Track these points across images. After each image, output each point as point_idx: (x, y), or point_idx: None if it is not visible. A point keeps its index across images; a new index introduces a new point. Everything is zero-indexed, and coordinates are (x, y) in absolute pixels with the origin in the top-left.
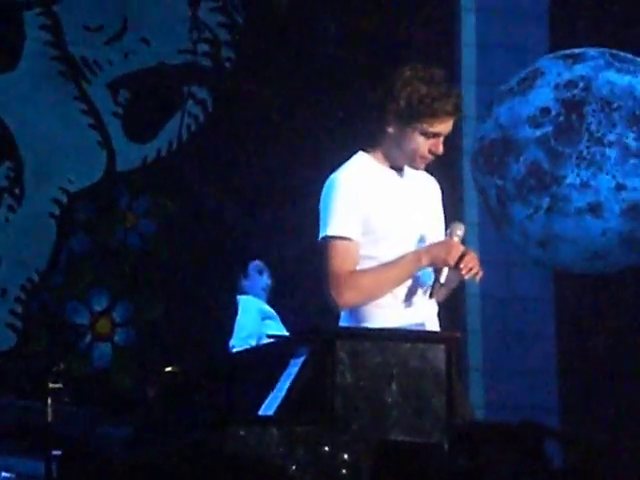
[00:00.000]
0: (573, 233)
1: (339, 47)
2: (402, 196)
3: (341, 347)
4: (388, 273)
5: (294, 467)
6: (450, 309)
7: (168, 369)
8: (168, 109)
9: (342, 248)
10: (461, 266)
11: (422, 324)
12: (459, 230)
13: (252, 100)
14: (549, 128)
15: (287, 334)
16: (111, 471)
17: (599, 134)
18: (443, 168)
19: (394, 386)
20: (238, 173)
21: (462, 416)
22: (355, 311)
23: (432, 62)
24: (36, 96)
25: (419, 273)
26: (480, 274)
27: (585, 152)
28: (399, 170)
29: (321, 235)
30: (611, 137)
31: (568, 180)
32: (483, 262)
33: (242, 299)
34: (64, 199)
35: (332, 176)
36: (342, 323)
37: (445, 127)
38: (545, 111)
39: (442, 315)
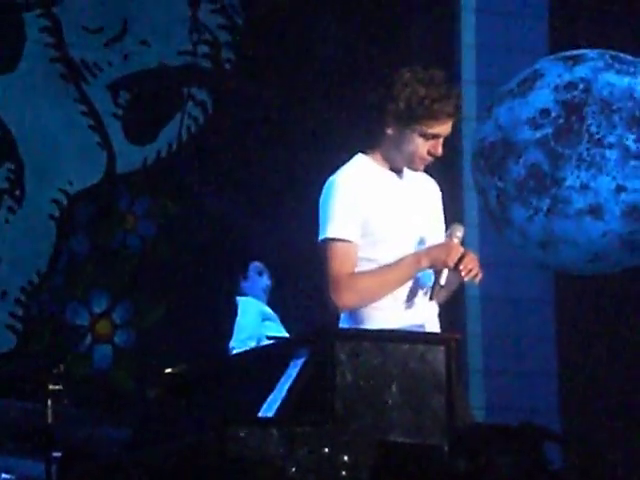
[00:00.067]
0: (573, 235)
1: (339, 48)
2: (401, 198)
3: (341, 348)
4: (387, 275)
5: (294, 468)
6: (450, 311)
7: (168, 370)
8: (168, 111)
9: (341, 250)
10: (461, 268)
11: (422, 325)
12: (459, 232)
13: (252, 101)
14: (549, 130)
15: (287, 335)
16: (111, 472)
17: (599, 136)
18: (443, 170)
19: (394, 387)
20: (238, 174)
21: (462, 418)
22: (355, 313)
23: (432, 63)
24: (36, 97)
25: (419, 275)
26: (480, 276)
27: (585, 154)
28: (398, 172)
29: (320, 237)
30: (611, 139)
31: (568, 182)
32: (483, 264)
33: (242, 300)
34: (64, 200)
35: (331, 178)
36: (342, 325)
37: (444, 128)
38: (545, 113)
39: (442, 316)
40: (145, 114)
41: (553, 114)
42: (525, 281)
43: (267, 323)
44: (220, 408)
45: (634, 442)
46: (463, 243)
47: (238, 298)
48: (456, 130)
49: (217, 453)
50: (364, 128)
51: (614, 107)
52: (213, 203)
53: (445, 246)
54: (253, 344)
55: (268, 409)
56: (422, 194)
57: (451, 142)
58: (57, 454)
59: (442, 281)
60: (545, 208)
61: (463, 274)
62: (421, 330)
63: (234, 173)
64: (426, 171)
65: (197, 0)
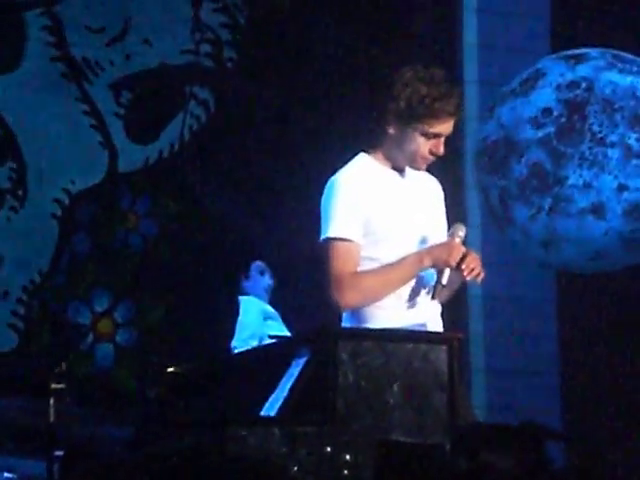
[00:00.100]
0: (575, 233)
1: (340, 48)
2: (403, 197)
3: (343, 348)
4: (390, 274)
5: (296, 467)
6: (452, 310)
7: (170, 369)
8: (170, 110)
9: (343, 250)
10: (463, 267)
11: (424, 325)
12: (461, 231)
13: (254, 100)
14: (551, 129)
15: (289, 335)
16: (113, 472)
17: (601, 135)
18: (445, 169)
19: (396, 387)
20: (240, 174)
21: (464, 417)
22: (357, 312)
23: (433, 63)
24: (38, 97)
25: (422, 274)
26: (482, 275)
27: (587, 153)
28: (400, 171)
29: (322, 237)
30: (613, 138)
31: (570, 181)
32: (485, 263)
33: (244, 300)
34: (66, 200)
35: (333, 178)
36: (344, 324)
37: (446, 127)
38: (547, 112)
39: (444, 316)
40: (147, 113)
41: (555, 113)
42: (527, 280)
43: (269, 322)
44: (222, 407)
45: (636, 441)
46: (465, 242)
47: (240, 297)
48: (458, 130)
49: (219, 452)
50: (366, 127)
51: (616, 106)
52: (215, 202)
53: (447, 245)
54: (255, 343)
55: (270, 408)
56: (424, 193)
57: (453, 142)
58: (59, 453)
59: (444, 280)
60: (547, 207)
61: (465, 273)
62: (423, 329)
63: (236, 172)
64: (428, 171)
65: None
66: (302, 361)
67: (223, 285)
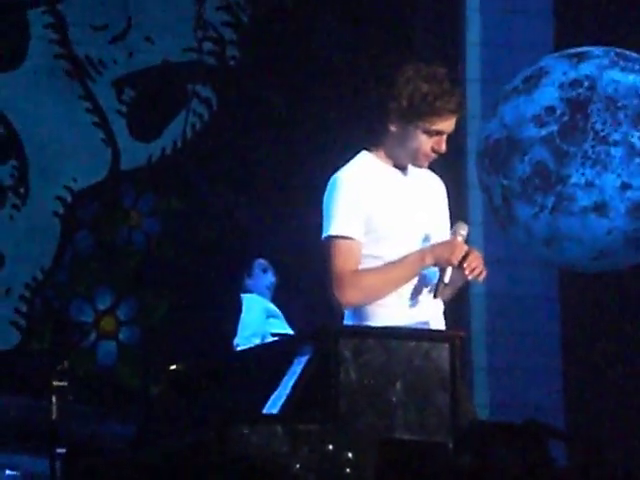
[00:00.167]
0: (578, 232)
1: (343, 46)
2: (405, 195)
3: (345, 345)
4: (391, 273)
5: (298, 465)
6: (454, 308)
7: (172, 367)
8: (173, 108)
9: (345, 248)
10: (464, 266)
11: (427, 323)
12: (463, 230)
13: (257, 99)
14: (554, 127)
15: (291, 332)
16: (116, 469)
17: (604, 133)
18: (447, 168)
19: (398, 385)
20: (243, 172)
21: (466, 415)
22: (359, 310)
23: (436, 61)
24: (40, 94)
25: (424, 272)
26: (484, 274)
27: (590, 151)
28: (403, 169)
29: (324, 235)
30: (616, 136)
31: (573, 179)
32: (488, 261)
33: (246, 297)
34: (69, 197)
35: (335, 175)
36: (346, 322)
37: (448, 125)
38: (550, 110)
39: (446, 314)
40: (150, 111)
41: (558, 112)
42: (529, 278)
43: (271, 320)
44: (224, 405)
45: (639, 439)
46: (467, 241)
47: (242, 295)
48: (460, 128)
49: (221, 450)
50: (368, 125)
51: (619, 104)
52: (218, 200)
53: (449, 244)
54: (257, 341)
55: (272, 406)
56: (427, 191)
57: (456, 140)
58: (61, 450)
59: (446, 279)
60: (550, 206)
61: (467, 272)
62: (426, 327)
63: (239, 170)
64: (431, 169)
65: None
66: (304, 359)
67: (226, 283)
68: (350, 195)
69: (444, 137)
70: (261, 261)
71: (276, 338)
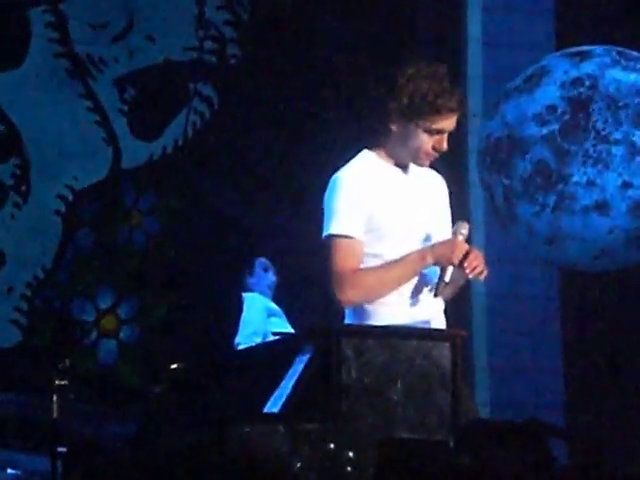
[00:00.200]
0: (580, 231)
1: (344, 44)
2: (407, 193)
3: (346, 345)
4: (392, 271)
5: (299, 464)
6: (456, 307)
7: (173, 366)
8: (174, 106)
9: (345, 246)
10: (465, 265)
11: (428, 322)
12: (464, 229)
13: (258, 97)
14: (555, 126)
15: (292, 331)
16: (117, 468)
17: (605, 132)
18: (448, 166)
19: (399, 384)
20: (243, 170)
21: (467, 414)
22: (360, 309)
23: (438, 58)
24: (42, 93)
25: (425, 270)
26: (484, 273)
27: (591, 150)
28: (404, 168)
29: (325, 233)
30: (617, 135)
31: (574, 178)
32: (489, 260)
33: (247, 296)
34: (70, 196)
35: (336, 174)
36: (347, 321)
37: (449, 124)
38: (551, 109)
39: (448, 313)
40: (151, 110)
41: (559, 110)
42: (531, 278)
43: (273, 319)
44: (225, 404)
45: (639, 439)
46: (468, 240)
47: (244, 294)
48: (462, 126)
49: (222, 449)
50: (369, 125)
51: (620, 103)
52: (218, 199)
53: (450, 243)
54: (259, 340)
55: (273, 405)
56: (428, 190)
57: (457, 139)
58: (62, 449)
59: (447, 278)
60: (551, 204)
61: (467, 271)
62: (427, 326)
63: (240, 169)
64: (431, 167)
65: None
66: (305, 358)
67: (226, 282)
68: (351, 194)
69: (445, 136)
70: (262, 260)
71: (277, 337)
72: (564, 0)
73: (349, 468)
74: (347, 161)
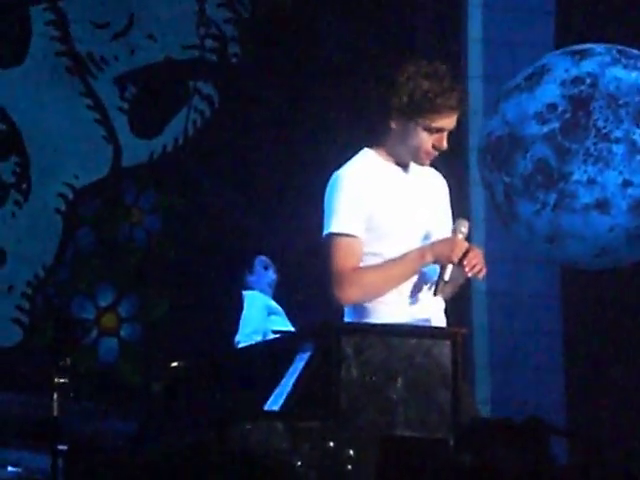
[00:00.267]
0: (580, 229)
1: (344, 43)
2: (407, 192)
3: (347, 343)
4: (391, 270)
5: (299, 462)
6: (456, 305)
7: (174, 364)
8: (174, 104)
9: (345, 245)
10: (464, 263)
11: (428, 320)
12: (464, 227)
13: (258, 96)
14: (556, 124)
15: (293, 330)
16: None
17: (606, 130)
18: (449, 165)
19: (400, 382)
20: (244, 169)
21: (467, 412)
22: (360, 307)
23: (438, 57)
24: (42, 92)
25: (425, 269)
26: (484, 271)
27: (592, 148)
28: (404, 166)
29: (325, 232)
30: (618, 133)
31: (575, 176)
32: (489, 259)
33: (248, 294)
34: (70, 194)
35: (336, 173)
36: (346, 319)
37: (449, 122)
38: (552, 107)
39: (448, 311)
40: (151, 108)
41: (560, 109)
42: (531, 276)
43: (273, 317)
44: (225, 402)
45: (639, 438)
46: (469, 238)
47: (244, 292)
48: (462, 125)
49: (222, 447)
50: (369, 123)
51: (621, 102)
52: (219, 197)
53: (449, 241)
54: (259, 338)
55: (274, 403)
56: (428, 189)
57: (457, 137)
58: (63, 447)
59: (446, 276)
60: (552, 203)
61: (467, 270)
62: (427, 325)
63: (240, 167)
64: (432, 166)
65: None
66: (306, 356)
67: (227, 280)
68: (351, 193)
69: (445, 134)
70: (262, 258)
71: (277, 335)
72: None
73: (349, 466)
74: (346, 161)
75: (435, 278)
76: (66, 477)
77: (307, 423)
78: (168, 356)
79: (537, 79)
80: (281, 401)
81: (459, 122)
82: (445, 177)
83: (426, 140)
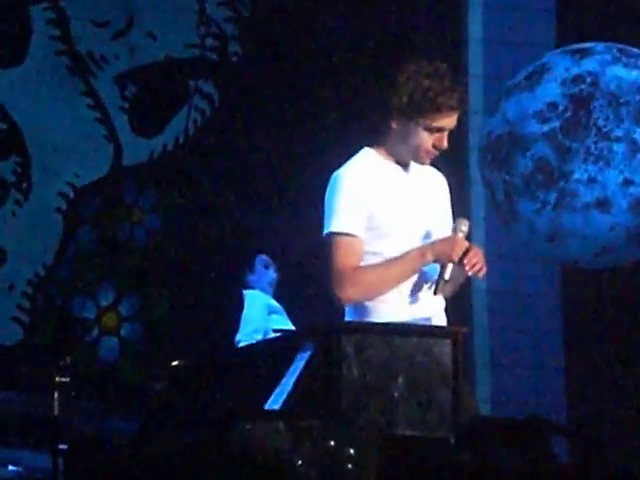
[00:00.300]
0: (581, 228)
1: (344, 43)
2: (407, 191)
3: (347, 342)
4: (392, 269)
5: (300, 461)
6: (457, 304)
7: (174, 363)
8: (175, 103)
9: (345, 244)
10: (465, 262)
11: (428, 319)
12: (464, 226)
13: (258, 95)
14: (556, 123)
15: (293, 329)
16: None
17: (606, 129)
18: (450, 164)
19: (400, 381)
20: (244, 168)
21: (468, 411)
22: (360, 306)
23: (438, 57)
24: (43, 91)
25: (426, 268)
26: (484, 270)
27: (592, 147)
28: (405, 166)
29: (325, 231)
30: (618, 132)
31: (575, 175)
32: (490, 257)
33: (248, 293)
34: (71, 193)
35: (336, 172)
36: (347, 318)
37: (449, 122)
38: (552, 106)
39: (449, 310)
40: (152, 107)
41: (560, 108)
42: (532, 275)
43: (273, 316)
44: (226, 401)
45: (639, 437)
46: (469, 237)
47: (244, 291)
48: (463, 124)
49: (223, 446)
50: (369, 123)
51: (622, 100)
52: (219, 196)
53: (450, 240)
54: (259, 337)
55: (274, 402)
56: (429, 188)
57: (458, 136)
58: (63, 446)
59: (446, 275)
60: (552, 202)
61: (467, 268)
62: (427, 324)
63: (241, 166)
64: (433, 165)
65: None
66: (306, 355)
67: (227, 279)
68: (352, 192)
69: (445, 134)
70: (263, 257)
71: (278, 334)
72: None
73: (350, 465)
74: (347, 159)
75: (435, 277)
76: (66, 476)
77: (308, 422)
78: (168, 355)
79: (537, 78)
80: (282, 400)
81: (459, 121)
82: (445, 176)
83: (426, 139)
